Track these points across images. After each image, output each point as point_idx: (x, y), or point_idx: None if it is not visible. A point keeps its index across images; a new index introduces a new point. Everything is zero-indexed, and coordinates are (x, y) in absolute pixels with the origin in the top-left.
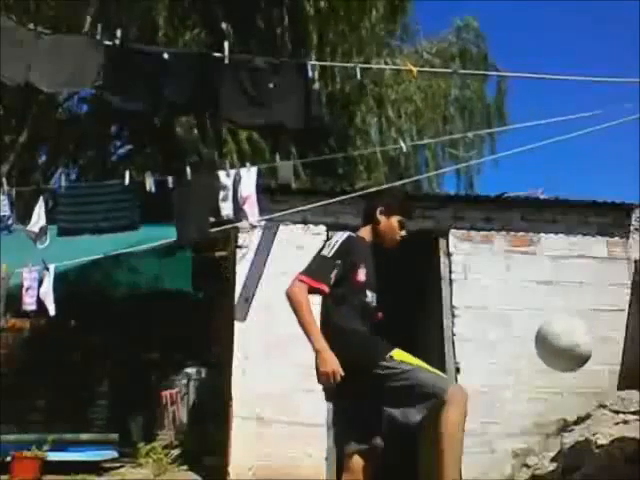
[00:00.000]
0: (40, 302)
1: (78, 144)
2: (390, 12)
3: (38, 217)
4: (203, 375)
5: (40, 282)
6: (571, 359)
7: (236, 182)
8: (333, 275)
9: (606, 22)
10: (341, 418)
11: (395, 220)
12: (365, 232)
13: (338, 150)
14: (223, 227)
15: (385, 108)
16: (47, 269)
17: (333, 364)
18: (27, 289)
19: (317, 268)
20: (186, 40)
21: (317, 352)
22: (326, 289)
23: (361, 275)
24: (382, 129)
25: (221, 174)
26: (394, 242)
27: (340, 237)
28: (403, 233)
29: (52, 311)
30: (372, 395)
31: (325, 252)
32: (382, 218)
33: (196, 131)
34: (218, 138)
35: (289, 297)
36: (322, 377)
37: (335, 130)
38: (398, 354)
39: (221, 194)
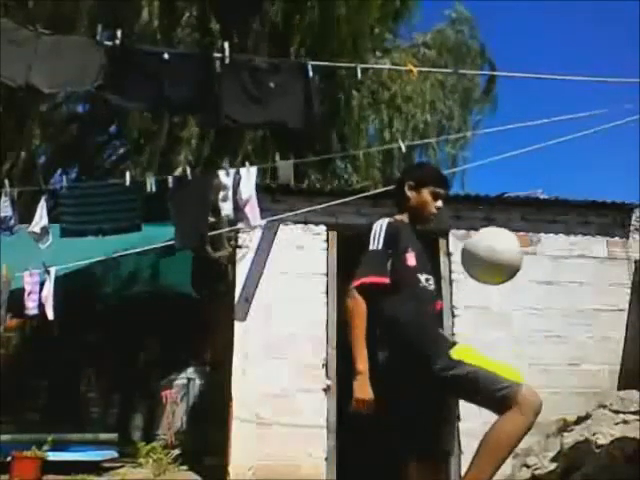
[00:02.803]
0: (41, 305)
1: (78, 144)
2: (393, 13)
3: (40, 217)
4: (203, 375)
5: (41, 285)
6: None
7: (235, 182)
8: (388, 265)
9: (606, 21)
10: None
11: (427, 192)
12: (400, 214)
13: (334, 147)
14: (224, 230)
15: (382, 105)
16: (48, 272)
17: (369, 394)
18: (29, 294)
19: (373, 264)
20: (180, 39)
21: (357, 374)
22: (387, 281)
23: (411, 259)
24: (378, 126)
25: (221, 173)
26: (430, 217)
27: (380, 226)
28: (439, 204)
29: (50, 315)
30: (433, 396)
31: (373, 246)
32: (412, 194)
33: (196, 131)
34: (218, 138)
35: (349, 308)
36: (357, 403)
37: (332, 128)
38: (459, 352)
39: (221, 194)
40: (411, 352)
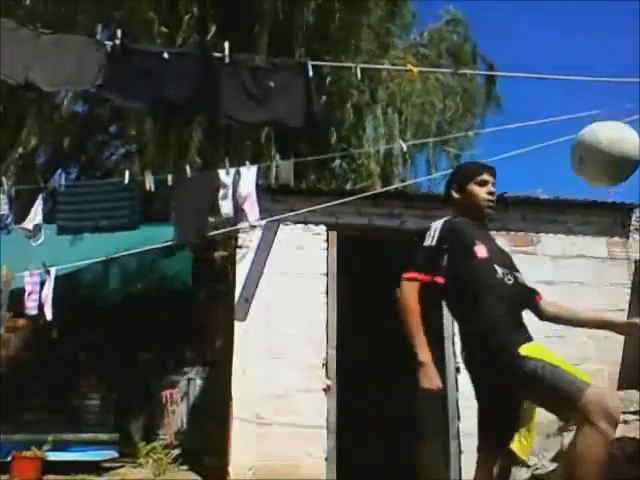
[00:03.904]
0: (41, 305)
1: (78, 144)
2: (390, 12)
3: (35, 214)
4: (203, 375)
5: (42, 285)
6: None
7: (236, 181)
8: (444, 262)
9: (606, 21)
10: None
11: (472, 186)
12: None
13: (333, 147)
14: (224, 230)
15: (380, 104)
16: (48, 272)
17: (435, 381)
18: (29, 294)
19: (424, 260)
20: (182, 41)
21: (420, 365)
22: (441, 280)
23: (482, 251)
24: (377, 126)
25: (221, 172)
26: (486, 205)
27: (437, 224)
28: (490, 189)
29: (49, 316)
30: (503, 394)
31: (427, 242)
32: (459, 196)
33: (197, 130)
34: (219, 137)
35: (399, 300)
36: (422, 393)
37: (331, 127)
38: (531, 349)
39: (221, 192)
40: (487, 346)
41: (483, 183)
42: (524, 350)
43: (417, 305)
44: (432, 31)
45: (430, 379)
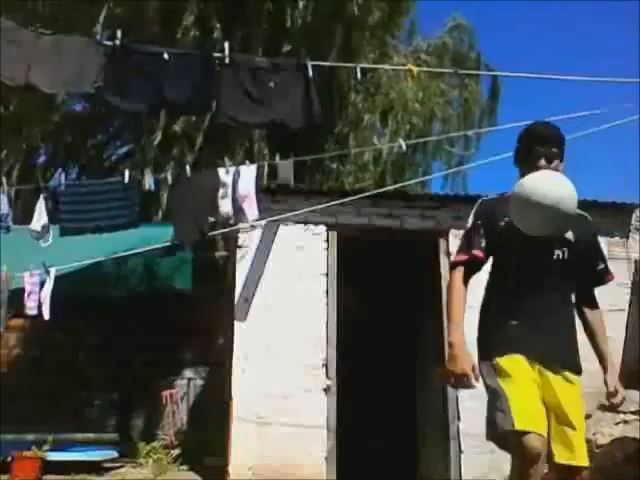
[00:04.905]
0: (41, 305)
1: (78, 144)
2: (390, 14)
3: (39, 215)
4: (203, 375)
5: (42, 285)
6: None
7: (235, 180)
8: (482, 237)
9: (606, 21)
10: None
11: (532, 158)
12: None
13: (330, 148)
14: (224, 230)
15: (380, 108)
16: (48, 272)
17: (461, 365)
18: (29, 294)
19: (464, 241)
20: (180, 39)
21: (448, 345)
22: (479, 253)
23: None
24: (376, 128)
25: (220, 171)
26: None
27: (474, 207)
28: (541, 163)
29: (47, 315)
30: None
31: (466, 225)
32: (517, 165)
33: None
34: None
35: (447, 284)
36: (449, 376)
37: (329, 128)
38: (508, 363)
39: (220, 191)
40: (479, 335)
41: (538, 156)
42: (500, 360)
43: (461, 286)
44: (436, 38)
45: (457, 362)
